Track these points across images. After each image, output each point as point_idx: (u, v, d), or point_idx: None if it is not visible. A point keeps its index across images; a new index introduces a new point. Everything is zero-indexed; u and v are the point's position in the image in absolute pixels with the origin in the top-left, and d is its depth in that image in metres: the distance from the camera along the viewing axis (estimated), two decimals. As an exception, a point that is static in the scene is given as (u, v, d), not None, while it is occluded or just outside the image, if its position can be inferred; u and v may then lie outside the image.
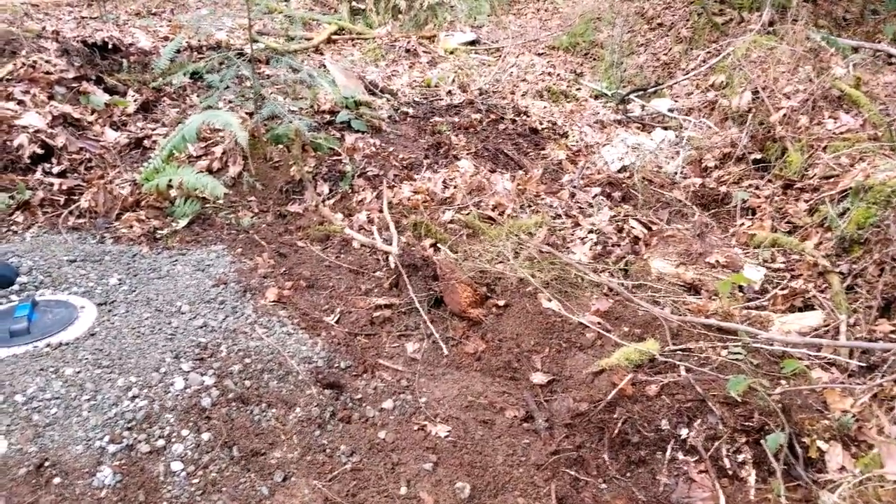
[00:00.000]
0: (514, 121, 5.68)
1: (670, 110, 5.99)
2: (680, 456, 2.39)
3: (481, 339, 3.01)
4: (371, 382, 2.69)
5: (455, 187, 4.27)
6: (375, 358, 2.83)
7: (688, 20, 7.16)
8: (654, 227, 3.96)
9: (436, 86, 6.39)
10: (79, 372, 2.35)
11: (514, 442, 2.46)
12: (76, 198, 3.72)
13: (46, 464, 2.04)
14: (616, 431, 2.47)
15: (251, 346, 2.66)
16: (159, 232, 3.55)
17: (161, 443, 2.16)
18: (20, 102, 4.27)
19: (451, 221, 3.89)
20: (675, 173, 4.79)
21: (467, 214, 3.96)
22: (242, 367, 2.54)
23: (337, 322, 2.98)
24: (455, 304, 3.09)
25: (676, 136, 5.31)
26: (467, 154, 4.86)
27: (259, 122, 4.29)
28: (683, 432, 2.43)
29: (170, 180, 3.74)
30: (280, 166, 4.32)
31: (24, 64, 4.57)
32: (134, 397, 2.28)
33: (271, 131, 4.38)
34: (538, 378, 2.78)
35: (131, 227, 3.61)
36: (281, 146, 4.40)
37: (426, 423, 2.54)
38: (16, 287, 2.90)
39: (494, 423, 2.53)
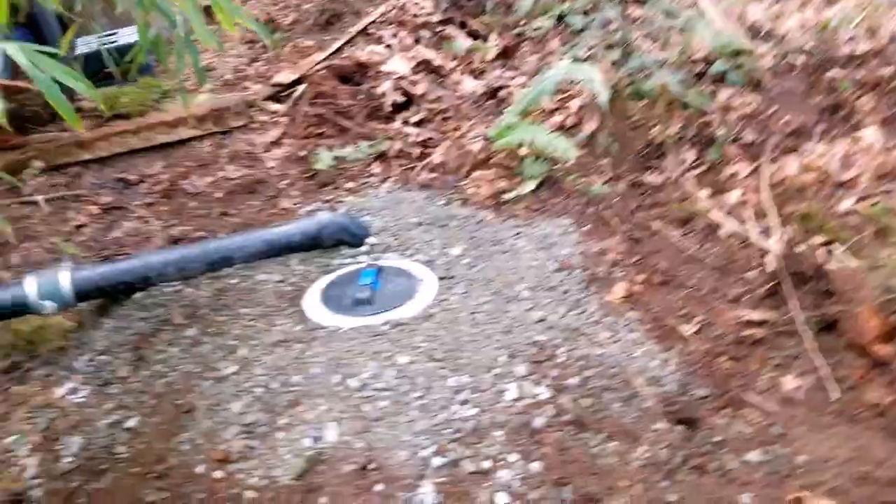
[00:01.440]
0: (943, 76, 4.42)
1: None
2: None
3: (888, 386, 2.29)
4: (733, 423, 2.17)
5: (857, 166, 3.39)
6: (741, 390, 2.29)
7: None
8: None
9: (834, 29, 5.26)
10: (412, 363, 2.20)
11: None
12: (429, 151, 3.64)
13: (371, 465, 1.91)
14: None
15: (592, 355, 2.30)
16: (505, 195, 3.31)
17: (487, 464, 1.92)
18: (388, 46, 4.31)
19: (851, 213, 3.08)
20: None
21: (874, 205, 3.10)
22: (581, 381, 2.19)
23: (695, 335, 2.48)
24: (855, 334, 2.39)
25: None
26: (875, 121, 3.86)
27: (623, 76, 3.81)
28: None
29: (521, 139, 3.47)
30: (640, 126, 3.82)
31: (394, 6, 4.62)
32: (464, 402, 2.07)
33: (634, 84, 3.88)
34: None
35: (479, 187, 3.43)
36: (643, 102, 3.89)
37: (804, 492, 1.96)
38: (365, 248, 2.87)
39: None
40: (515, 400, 2.09)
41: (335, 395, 2.11)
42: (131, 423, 2.22)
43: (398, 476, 1.89)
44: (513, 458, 1.94)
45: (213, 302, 2.63)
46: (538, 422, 2.03)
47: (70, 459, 2.17)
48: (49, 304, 2.58)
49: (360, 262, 2.79)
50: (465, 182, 3.45)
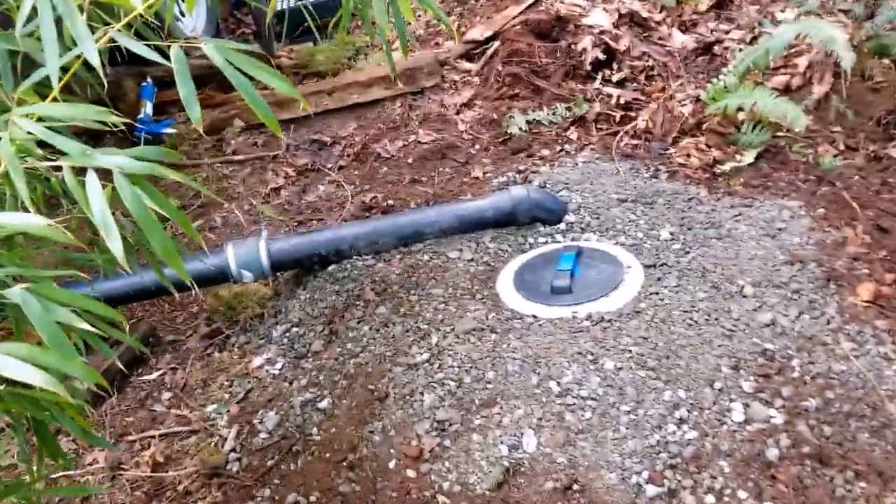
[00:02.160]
0: None
1: None
2: None
3: None
4: None
5: None
6: None
7: None
8: None
9: None
10: (620, 368, 1.97)
11: None
12: (633, 114, 3.32)
13: (575, 486, 1.73)
14: None
15: (833, 370, 1.96)
16: (719, 167, 2.94)
17: (710, 500, 1.67)
18: (589, -2, 3.98)
19: None
20: None
21: None
22: (822, 404, 1.87)
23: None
24: None
25: None
26: None
27: (863, 30, 3.26)
28: None
29: (740, 103, 3.06)
30: (882, 88, 3.26)
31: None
32: (681, 421, 1.82)
33: (874, 39, 3.32)
34: None
35: (688, 156, 3.08)
36: (887, 61, 3.32)
37: None
38: (562, 226, 2.65)
39: None
40: (743, 423, 1.81)
41: (534, 399, 1.94)
42: (324, 403, 2.18)
43: (606, 502, 1.69)
44: (742, 494, 1.67)
45: (403, 279, 2.54)
46: (771, 452, 1.74)
47: (265, 435, 2.17)
48: (247, 274, 2.60)
49: (557, 243, 2.57)
50: (672, 151, 3.11)
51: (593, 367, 1.98)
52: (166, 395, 2.48)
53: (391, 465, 1.92)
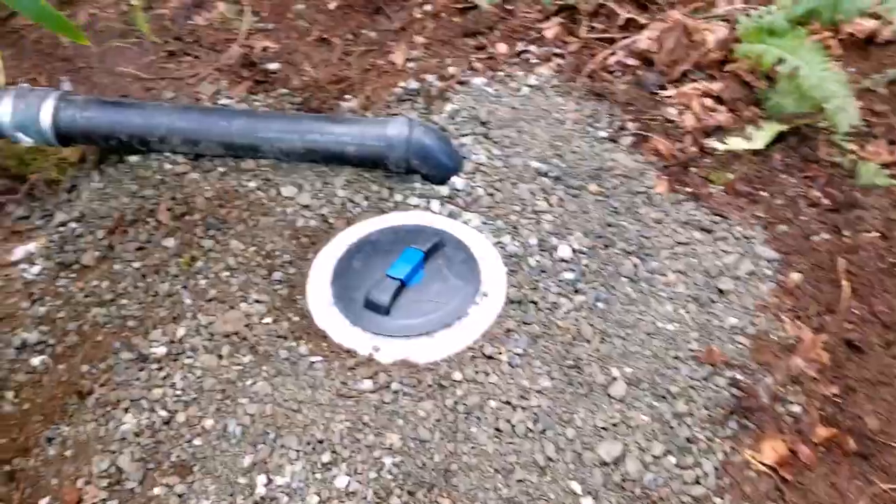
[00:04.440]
0: None
1: None
2: None
3: None
4: None
5: None
6: None
7: None
8: None
9: None
10: (352, 492, 1.38)
11: None
12: (643, 22, 2.39)
13: None
14: None
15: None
16: (717, 142, 2.11)
17: None
18: None
19: None
20: None
21: None
22: None
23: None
24: None
25: None
26: None
27: None
28: None
29: (781, 55, 2.14)
30: None
31: None
32: None
33: None
34: None
35: (686, 107, 2.23)
36: None
37: None
38: (444, 190, 1.92)
39: None
40: None
41: (229, 490, 1.39)
42: (37, 360, 1.66)
43: None
44: None
45: (211, 208, 1.90)
46: None
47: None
48: (24, 137, 1.97)
49: (429, 214, 1.87)
50: (669, 92, 2.25)
51: (323, 473, 1.39)
52: (-86, 260, 1.97)
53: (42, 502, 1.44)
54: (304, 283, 1.73)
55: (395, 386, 1.50)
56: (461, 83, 2.18)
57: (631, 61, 2.34)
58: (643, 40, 2.34)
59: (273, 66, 2.33)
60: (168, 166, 1.99)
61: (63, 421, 1.54)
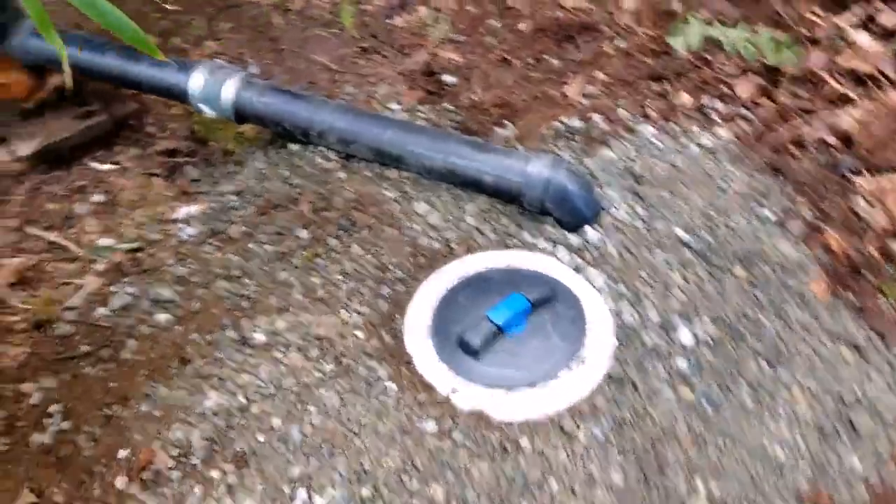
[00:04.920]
0: None
1: None
2: None
3: None
4: None
5: None
6: None
7: None
8: None
9: None
10: None
11: None
12: (852, 96, 2.13)
13: None
14: None
15: None
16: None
17: None
18: None
19: None
20: None
21: None
22: None
23: None
24: None
25: None
26: None
27: None
28: None
29: None
30: None
31: None
32: None
33: None
34: None
35: (877, 203, 1.96)
36: None
37: None
38: (574, 239, 1.84)
39: None
40: None
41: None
42: (163, 317, 1.80)
43: None
44: None
45: (347, 209, 1.96)
46: None
47: (107, 312, 1.86)
48: (206, 109, 2.14)
49: (549, 262, 1.80)
50: (862, 182, 1.99)
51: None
52: (97, 197, 2.23)
53: (121, 455, 1.56)
54: (407, 304, 1.72)
55: (457, 436, 1.45)
56: (628, 129, 2.06)
57: (828, 139, 2.08)
58: (848, 119, 2.07)
59: (450, 78, 2.34)
60: (319, 160, 2.07)
61: (162, 382, 1.65)
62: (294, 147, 2.14)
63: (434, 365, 1.60)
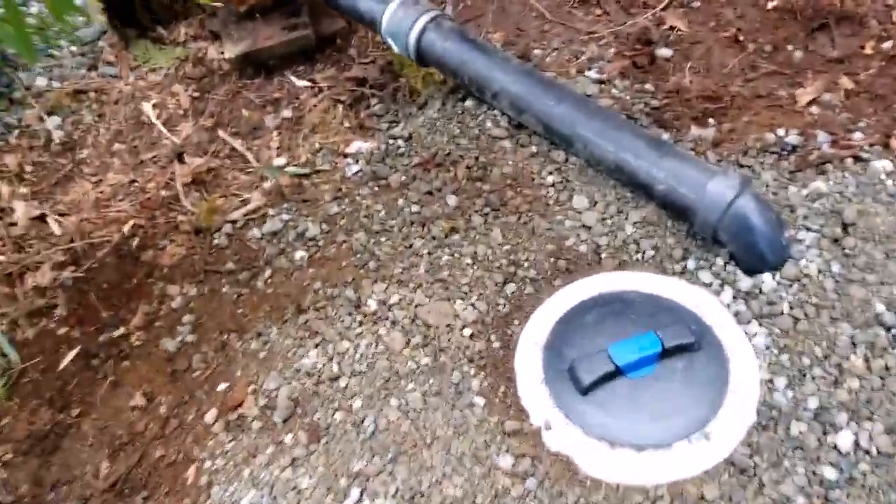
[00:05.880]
0: None
1: None
2: None
3: None
4: None
5: None
6: None
7: None
8: None
9: None
10: None
11: None
12: None
13: None
14: None
15: None
16: None
17: None
18: None
19: None
20: None
21: None
22: None
23: None
24: None
25: None
26: None
27: None
28: None
29: None
30: None
31: None
32: None
33: None
34: None
35: None
36: None
37: None
38: (744, 282, 1.55)
39: None
40: None
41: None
42: (300, 255, 1.82)
43: None
44: None
45: (501, 183, 1.80)
46: None
47: (257, 235, 1.92)
48: (392, 44, 2.06)
49: (707, 300, 1.53)
50: None
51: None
52: (286, 113, 2.27)
53: (219, 388, 1.61)
54: (531, 311, 1.56)
55: (530, 483, 1.31)
56: (857, 158, 1.65)
57: None
58: None
59: (666, 51, 2.03)
60: (489, 125, 1.92)
61: (276, 325, 1.66)
62: (469, 104, 1.99)
63: (536, 388, 1.44)
